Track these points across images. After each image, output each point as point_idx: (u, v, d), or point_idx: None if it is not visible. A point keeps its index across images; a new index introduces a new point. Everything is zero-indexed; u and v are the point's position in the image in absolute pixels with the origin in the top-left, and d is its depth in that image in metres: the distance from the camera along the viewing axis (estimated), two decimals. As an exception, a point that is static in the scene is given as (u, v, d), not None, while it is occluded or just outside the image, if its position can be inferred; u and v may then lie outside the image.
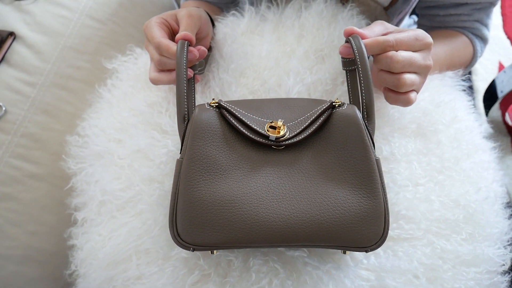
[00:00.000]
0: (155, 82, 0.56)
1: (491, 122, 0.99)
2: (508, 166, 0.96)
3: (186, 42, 0.53)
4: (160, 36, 0.54)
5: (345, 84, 0.59)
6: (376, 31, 0.53)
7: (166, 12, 0.59)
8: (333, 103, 0.49)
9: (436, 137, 0.58)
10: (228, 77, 0.61)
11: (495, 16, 1.26)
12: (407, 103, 0.52)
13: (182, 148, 0.48)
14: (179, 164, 0.47)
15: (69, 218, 0.63)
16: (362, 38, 0.51)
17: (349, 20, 0.65)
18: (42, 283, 0.70)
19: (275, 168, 0.47)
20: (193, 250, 0.46)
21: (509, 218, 0.58)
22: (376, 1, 0.70)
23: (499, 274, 0.54)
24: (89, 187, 0.60)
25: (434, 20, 0.75)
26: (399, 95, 0.52)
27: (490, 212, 0.55)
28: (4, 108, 0.69)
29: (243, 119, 0.48)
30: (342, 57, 0.54)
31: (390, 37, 0.50)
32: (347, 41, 0.52)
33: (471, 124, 0.62)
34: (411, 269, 0.51)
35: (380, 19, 0.61)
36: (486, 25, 0.75)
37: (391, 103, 0.53)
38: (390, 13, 0.73)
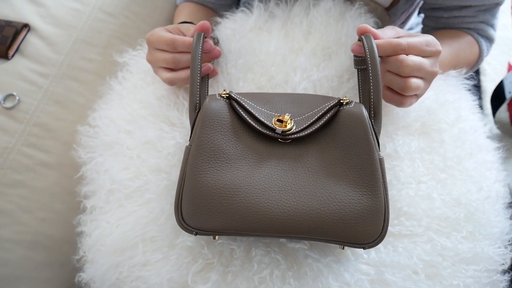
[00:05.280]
0: (172, 81, 0.57)
1: (499, 123, 0.98)
2: (513, 167, 0.95)
3: (203, 33, 0.54)
4: (172, 34, 0.55)
5: (351, 81, 0.60)
6: (387, 34, 0.53)
7: (167, 26, 0.61)
8: (341, 101, 0.50)
9: (439, 136, 0.58)
10: (236, 72, 0.62)
11: (505, 16, 1.25)
12: (401, 104, 0.53)
13: (191, 135, 0.49)
14: (188, 150, 0.49)
15: (77, 205, 0.64)
16: (375, 38, 0.51)
17: (357, 19, 0.65)
18: (50, 268, 0.72)
19: (280, 161, 0.48)
20: (196, 234, 0.48)
21: (510, 218, 0.58)
22: (376, 1, 0.70)
23: (498, 273, 0.55)
24: (98, 176, 0.62)
25: (438, 21, 0.75)
26: (398, 96, 0.52)
27: (491, 211, 0.56)
28: (17, 98, 0.71)
29: (252, 111, 0.49)
30: (354, 56, 0.55)
31: (402, 41, 0.51)
32: (360, 40, 0.52)
33: (475, 124, 0.62)
34: (411, 264, 0.51)
35: (382, 20, 0.62)
36: (492, 25, 0.74)
37: (386, 101, 0.54)
38: (392, 14, 0.72)
